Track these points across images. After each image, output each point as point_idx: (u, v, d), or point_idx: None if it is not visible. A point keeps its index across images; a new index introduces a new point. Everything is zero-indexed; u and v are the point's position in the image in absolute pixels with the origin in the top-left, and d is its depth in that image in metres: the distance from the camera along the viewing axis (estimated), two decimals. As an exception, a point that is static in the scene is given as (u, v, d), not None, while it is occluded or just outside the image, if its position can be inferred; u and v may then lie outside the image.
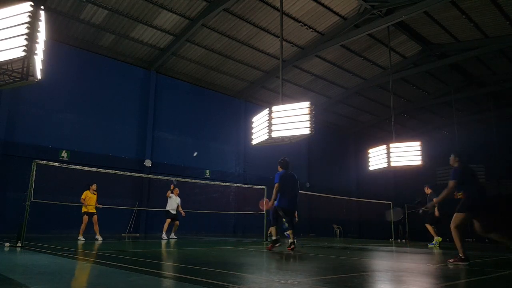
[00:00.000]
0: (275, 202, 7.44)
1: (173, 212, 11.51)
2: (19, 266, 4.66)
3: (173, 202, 11.54)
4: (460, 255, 5.42)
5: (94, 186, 10.32)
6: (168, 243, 9.56)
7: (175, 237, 11.64)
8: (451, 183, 5.65)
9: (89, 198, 10.16)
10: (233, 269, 4.62)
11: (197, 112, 17.32)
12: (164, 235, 11.31)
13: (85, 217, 10.05)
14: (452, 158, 5.98)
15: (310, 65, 17.68)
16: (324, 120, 22.29)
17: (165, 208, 11.59)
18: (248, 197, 16.93)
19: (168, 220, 11.45)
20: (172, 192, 11.59)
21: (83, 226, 10.00)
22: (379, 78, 19.20)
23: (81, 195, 10.14)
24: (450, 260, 5.56)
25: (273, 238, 7.57)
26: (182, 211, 11.67)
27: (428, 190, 11.05)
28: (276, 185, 7.43)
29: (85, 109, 14.12)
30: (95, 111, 14.34)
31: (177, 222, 11.66)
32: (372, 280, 3.92)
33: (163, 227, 11.44)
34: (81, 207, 10.22)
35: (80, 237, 9.83)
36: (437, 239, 10.65)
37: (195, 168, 16.55)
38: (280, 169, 7.74)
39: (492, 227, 5.63)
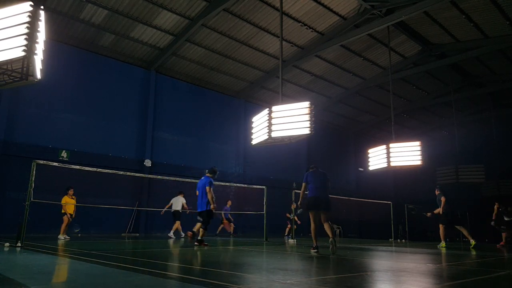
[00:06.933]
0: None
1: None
2: (19, 266, 4.66)
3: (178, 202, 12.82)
4: None
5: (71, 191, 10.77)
6: (167, 242, 9.55)
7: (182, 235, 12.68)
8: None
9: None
10: (233, 269, 4.62)
11: (197, 112, 17.30)
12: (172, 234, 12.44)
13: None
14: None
15: (310, 65, 17.67)
16: (324, 120, 22.28)
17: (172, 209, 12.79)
18: (248, 197, 16.91)
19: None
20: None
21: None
22: (379, 78, 19.20)
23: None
24: None
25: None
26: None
27: (437, 192, 10.89)
28: None
29: (85, 109, 14.11)
30: (95, 111, 14.33)
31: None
32: (372, 280, 3.92)
33: (171, 227, 12.78)
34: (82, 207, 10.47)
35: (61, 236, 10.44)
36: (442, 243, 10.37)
37: (195, 168, 16.52)
38: None
39: None
